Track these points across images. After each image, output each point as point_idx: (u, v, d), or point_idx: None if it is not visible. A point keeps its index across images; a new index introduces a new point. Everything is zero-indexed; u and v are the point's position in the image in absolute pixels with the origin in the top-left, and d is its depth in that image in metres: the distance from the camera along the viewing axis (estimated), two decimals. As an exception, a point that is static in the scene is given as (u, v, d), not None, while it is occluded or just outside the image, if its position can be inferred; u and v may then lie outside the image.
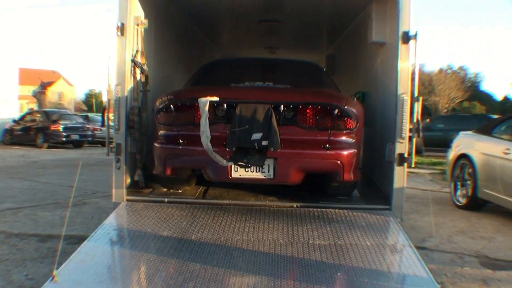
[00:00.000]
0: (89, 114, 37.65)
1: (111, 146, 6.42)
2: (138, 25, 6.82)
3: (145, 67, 7.01)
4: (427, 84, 72.67)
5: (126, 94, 6.48)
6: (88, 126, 28.94)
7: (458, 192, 10.52)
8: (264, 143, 5.68)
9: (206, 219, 5.86)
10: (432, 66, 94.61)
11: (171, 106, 5.90)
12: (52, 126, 26.91)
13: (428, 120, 27.56)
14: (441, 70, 77.57)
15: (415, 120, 6.25)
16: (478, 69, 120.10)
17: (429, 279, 4.52)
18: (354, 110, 6.05)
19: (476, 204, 9.92)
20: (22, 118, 30.10)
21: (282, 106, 5.81)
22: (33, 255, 6.16)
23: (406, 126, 6.32)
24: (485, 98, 74.13)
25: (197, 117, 5.84)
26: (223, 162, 5.77)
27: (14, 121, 29.41)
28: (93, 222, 7.66)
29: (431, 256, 6.63)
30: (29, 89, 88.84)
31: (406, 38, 6.39)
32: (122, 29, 6.45)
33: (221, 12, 10.41)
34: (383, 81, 7.77)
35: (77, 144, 28.12)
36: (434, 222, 8.61)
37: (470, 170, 10.03)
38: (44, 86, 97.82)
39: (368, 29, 8.24)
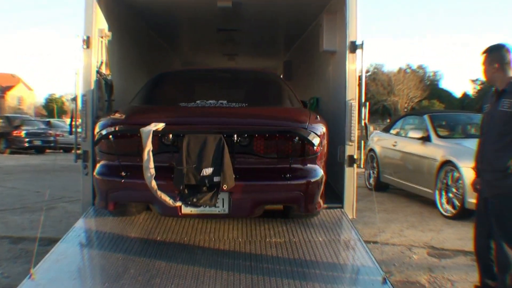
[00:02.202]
0: (51, 120, 37.56)
1: (78, 152, 6.67)
2: (102, 37, 7.21)
3: (109, 78, 7.41)
4: (386, 84, 73.55)
5: (92, 103, 6.81)
6: (50, 132, 28.84)
7: (371, 179, 13.37)
8: (216, 179, 5.02)
9: (170, 221, 6.14)
10: (391, 66, 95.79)
11: (110, 136, 5.30)
12: (14, 132, 26.88)
13: (388, 120, 28.28)
14: (400, 70, 78.35)
15: (362, 124, 6.66)
16: (437, 67, 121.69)
17: (375, 268, 4.96)
18: (317, 133, 5.43)
19: (381, 187, 12.77)
20: (-17, 123, 29.88)
21: (235, 136, 5.19)
22: (7, 256, 6.48)
23: (355, 129, 6.75)
24: (444, 96, 75.16)
25: (140, 146, 5.07)
26: (170, 203, 5.05)
27: (-25, 126, 29.24)
28: (62, 225, 7.95)
29: (382, 249, 7.06)
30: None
31: (353, 47, 6.85)
32: (87, 42, 6.78)
33: (181, 22, 10.84)
34: (334, 88, 8.17)
35: (39, 150, 28.03)
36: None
37: (375, 161, 13.03)
38: (3, 90, 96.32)
39: (320, 38, 8.66)
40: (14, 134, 26.86)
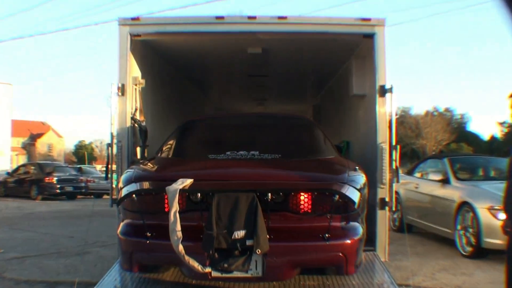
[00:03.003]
0: (82, 166, 38.14)
1: (113, 197, 6.70)
2: (136, 84, 7.41)
3: (143, 124, 7.56)
4: (414, 127, 73.10)
5: (127, 149, 7.00)
6: (81, 178, 29.15)
7: (396, 221, 13.33)
8: (249, 243, 4.58)
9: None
10: (419, 109, 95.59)
11: (134, 195, 5.00)
12: (46, 178, 27.10)
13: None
14: (427, 113, 78.04)
15: (394, 167, 6.77)
16: (464, 110, 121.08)
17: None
18: (357, 186, 5.10)
19: (403, 228, 12.49)
20: (16, 170, 30.41)
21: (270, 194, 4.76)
22: None
23: (386, 172, 6.83)
24: (472, 139, 74.28)
25: (167, 204, 4.78)
26: (199, 269, 4.64)
27: (8, 173, 29.72)
28: (96, 269, 8.00)
29: None
30: (18, 141, 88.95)
31: (383, 91, 6.99)
32: (122, 89, 7.01)
33: (212, 68, 11.05)
34: (365, 131, 8.26)
35: (70, 196, 28.23)
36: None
37: (399, 203, 12.85)
38: (34, 138, 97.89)
39: (349, 82, 8.80)
40: (46, 181, 27.05)
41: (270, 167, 5.66)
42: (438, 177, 11.47)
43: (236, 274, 4.74)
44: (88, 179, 29.69)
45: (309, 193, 4.96)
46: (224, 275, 4.78)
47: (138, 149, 7.48)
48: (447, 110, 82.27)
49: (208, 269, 4.66)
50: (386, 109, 7.04)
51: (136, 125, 7.39)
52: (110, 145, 6.92)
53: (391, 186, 6.86)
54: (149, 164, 6.06)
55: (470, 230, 9.63)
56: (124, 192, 5.11)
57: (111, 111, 6.95)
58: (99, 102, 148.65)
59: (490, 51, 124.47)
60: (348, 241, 4.94)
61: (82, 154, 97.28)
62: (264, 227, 4.58)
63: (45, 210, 20.23)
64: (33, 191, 27.24)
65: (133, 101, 7.32)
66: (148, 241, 4.87)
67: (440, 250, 10.48)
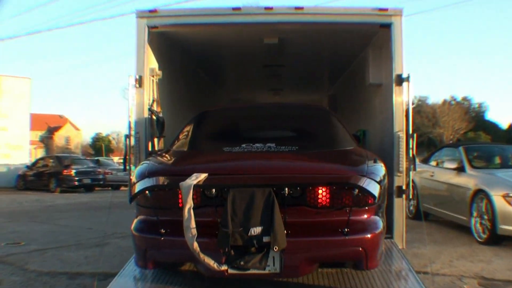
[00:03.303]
0: (100, 158, 38.40)
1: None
2: (153, 76, 7.50)
3: (160, 115, 7.64)
4: (431, 116, 72.88)
5: (144, 140, 7.10)
6: (99, 170, 29.36)
7: (411, 207, 13.44)
8: (266, 239, 4.44)
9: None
10: (436, 98, 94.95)
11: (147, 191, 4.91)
12: (65, 171, 27.30)
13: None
14: (444, 102, 77.79)
15: (410, 155, 6.82)
16: (482, 98, 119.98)
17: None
18: (376, 179, 4.94)
19: (419, 215, 12.68)
20: (35, 163, 30.59)
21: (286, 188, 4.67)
22: None
23: (403, 161, 6.90)
24: (490, 128, 73.92)
25: (181, 199, 4.59)
26: (215, 267, 4.52)
27: (27, 166, 29.93)
28: (116, 260, 8.07)
29: (433, 280, 7.02)
30: (37, 134, 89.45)
31: (399, 80, 7.05)
32: (140, 81, 7.11)
33: (228, 58, 11.10)
34: (381, 120, 8.33)
35: (88, 188, 28.45)
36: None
37: (415, 191, 12.95)
38: (51, 131, 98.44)
39: (366, 72, 8.88)
40: (65, 173, 27.25)
41: (286, 161, 5.52)
42: (454, 165, 11.68)
43: (253, 271, 4.61)
44: (106, 171, 29.92)
45: (328, 187, 4.80)
46: (241, 272, 4.63)
47: (155, 140, 7.54)
48: (464, 99, 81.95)
49: (224, 267, 4.54)
50: (403, 98, 7.09)
51: (153, 116, 7.45)
52: (128, 136, 7.01)
53: (408, 175, 6.90)
54: (163, 157, 5.94)
55: (485, 217, 9.79)
56: (137, 187, 4.96)
57: (128, 103, 7.07)
58: (116, 95, 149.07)
59: (509, 38, 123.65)
60: (368, 235, 4.78)
61: (99, 146, 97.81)
62: (281, 223, 4.44)
63: (64, 202, 20.41)
64: (52, 184, 27.44)
65: (150, 93, 7.39)
66: (162, 238, 4.75)
67: (458, 238, 10.49)
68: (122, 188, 29.57)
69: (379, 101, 8.70)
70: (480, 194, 10.13)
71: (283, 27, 7.86)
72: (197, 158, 5.87)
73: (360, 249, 4.73)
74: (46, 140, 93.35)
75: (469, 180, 10.81)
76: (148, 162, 5.64)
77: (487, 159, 12.73)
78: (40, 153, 73.76)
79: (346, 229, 4.61)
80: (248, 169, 5.10)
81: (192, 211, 4.44)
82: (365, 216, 4.89)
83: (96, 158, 41.49)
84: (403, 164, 6.92)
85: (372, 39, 8.62)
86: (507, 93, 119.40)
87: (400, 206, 6.90)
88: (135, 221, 5.15)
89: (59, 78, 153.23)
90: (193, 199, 4.46)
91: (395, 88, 7.10)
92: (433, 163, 13.46)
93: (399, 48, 7.09)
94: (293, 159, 5.59)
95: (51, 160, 29.77)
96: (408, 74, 6.98)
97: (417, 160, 7.06)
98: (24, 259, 8.50)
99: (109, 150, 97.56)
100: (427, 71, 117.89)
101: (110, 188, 30.06)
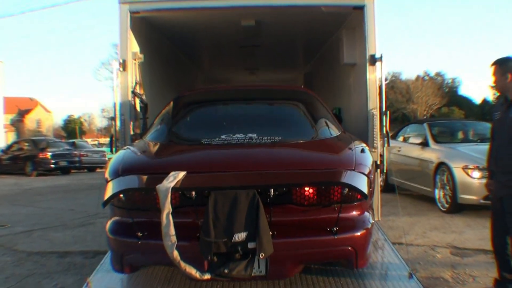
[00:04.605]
0: (76, 141, 38.36)
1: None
2: (135, 59, 7.74)
3: (143, 97, 7.95)
4: (405, 92, 72.96)
5: (129, 123, 7.37)
6: (75, 153, 29.32)
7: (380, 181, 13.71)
8: (251, 245, 4.14)
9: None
10: (409, 74, 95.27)
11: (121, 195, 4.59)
12: (41, 154, 27.25)
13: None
14: (418, 78, 77.89)
15: (384, 132, 7.20)
16: (455, 74, 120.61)
17: (402, 265, 5.50)
18: (365, 171, 4.69)
19: (388, 188, 13.31)
20: (9, 147, 30.62)
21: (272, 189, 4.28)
22: (57, 269, 6.92)
23: (377, 137, 7.25)
24: (464, 103, 73.88)
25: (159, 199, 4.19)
26: (197, 276, 4.27)
27: (2, 151, 30.02)
28: (103, 239, 8.25)
29: (407, 249, 7.43)
30: (7, 118, 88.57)
31: (373, 60, 7.39)
32: (124, 65, 7.37)
33: (206, 40, 11.36)
34: (355, 98, 8.63)
35: (65, 171, 28.57)
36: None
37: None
38: (22, 114, 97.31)
39: (340, 52, 9.14)
40: (41, 156, 27.21)
41: (269, 155, 5.14)
42: (419, 140, 12.66)
43: (238, 274, 4.28)
44: (82, 153, 29.91)
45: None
46: (225, 279, 4.42)
47: (139, 123, 7.80)
48: (438, 74, 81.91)
49: (207, 276, 4.29)
50: (376, 77, 7.42)
51: (136, 98, 7.70)
52: (113, 118, 7.27)
53: (382, 150, 7.26)
54: (138, 149, 5.54)
55: (447, 187, 10.68)
56: (110, 188, 4.48)
57: (114, 86, 7.32)
58: (87, 76, 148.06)
59: (481, 11, 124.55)
60: (358, 233, 4.53)
61: (72, 128, 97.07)
62: (267, 228, 4.13)
63: (42, 185, 20.57)
64: (28, 167, 27.44)
65: (133, 76, 7.62)
66: (139, 242, 4.42)
67: (431, 211, 11.01)
68: (98, 169, 29.81)
69: (353, 80, 8.99)
70: (442, 166, 11.08)
71: (260, 10, 8.12)
72: (174, 153, 5.55)
73: (350, 248, 4.50)
74: (17, 124, 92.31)
75: (433, 154, 11.80)
76: (122, 155, 5.25)
77: (451, 134, 13.64)
78: (11, 137, 73.19)
79: (335, 228, 4.37)
80: (230, 167, 4.74)
81: (171, 216, 4.09)
82: (355, 212, 4.66)
83: (72, 140, 41.30)
84: (377, 140, 7.25)
85: (346, 20, 8.88)
86: (480, 68, 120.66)
87: (375, 180, 7.09)
88: (110, 223, 4.81)
89: (28, 60, 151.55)
90: (171, 201, 4.11)
91: (369, 68, 7.41)
92: (400, 139, 14.33)
93: (372, 29, 7.37)
94: (276, 153, 5.22)
95: (26, 144, 29.69)
96: (381, 54, 7.31)
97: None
98: (12, 240, 8.78)
99: (81, 132, 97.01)
100: (401, 47, 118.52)
101: (86, 170, 30.22)
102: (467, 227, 9.18)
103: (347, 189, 4.38)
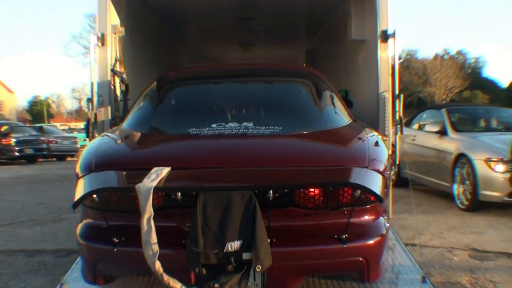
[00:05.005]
0: (43, 125, 38.27)
1: None
2: (115, 33, 7.77)
3: (124, 76, 7.99)
4: (421, 73, 72.85)
5: (108, 105, 7.41)
6: (42, 139, 29.36)
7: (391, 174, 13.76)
8: (246, 256, 3.90)
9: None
10: (427, 52, 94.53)
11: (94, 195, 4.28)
12: (3, 140, 27.26)
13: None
14: (436, 56, 77.94)
15: (397, 118, 7.17)
16: (479, 53, 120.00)
17: (414, 267, 5.59)
18: (380, 168, 4.51)
19: (401, 182, 13.48)
20: (-35, 133, 30.36)
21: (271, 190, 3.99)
22: (25, 269, 7.01)
23: (389, 123, 7.27)
24: (489, 86, 74.06)
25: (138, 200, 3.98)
26: None
27: (-45, 136, 29.89)
28: (75, 236, 8.47)
29: (421, 251, 7.51)
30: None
31: (385, 36, 7.40)
32: (102, 39, 7.39)
33: (193, 11, 11.38)
34: (365, 79, 8.69)
35: (31, 159, 28.64)
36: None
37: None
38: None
39: (348, 26, 9.17)
40: (3, 143, 27.22)
41: (268, 150, 4.94)
42: (436, 128, 12.55)
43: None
44: (50, 139, 30.02)
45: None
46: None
47: (119, 105, 7.83)
48: (459, 53, 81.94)
49: None
50: (389, 56, 7.40)
51: (116, 77, 7.73)
52: (90, 100, 7.25)
53: (394, 139, 7.25)
54: (115, 140, 5.40)
55: (467, 182, 10.63)
56: (81, 186, 4.35)
57: (91, 63, 7.31)
58: (56, 52, 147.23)
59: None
60: (371, 242, 4.30)
61: (38, 111, 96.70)
62: (265, 236, 3.91)
63: (5, 176, 20.64)
64: (-12, 156, 27.26)
65: (112, 52, 7.64)
66: (115, 249, 4.19)
67: (449, 208, 11.11)
68: (68, 158, 29.84)
69: (362, 59, 9.01)
70: (462, 158, 11.00)
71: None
72: (156, 145, 5.38)
73: (361, 259, 4.28)
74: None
75: (451, 144, 11.71)
76: (96, 146, 5.09)
77: (472, 122, 13.55)
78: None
79: (344, 235, 4.12)
80: (221, 163, 4.49)
81: (152, 221, 3.87)
82: (367, 217, 4.44)
83: (38, 125, 41.09)
84: (389, 127, 7.25)
85: (355, -10, 8.87)
86: (508, 47, 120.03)
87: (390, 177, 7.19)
88: (81, 226, 4.66)
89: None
90: (153, 203, 3.91)
91: (380, 45, 7.42)
92: (415, 126, 14.26)
93: (384, 1, 7.38)
94: (276, 147, 5.02)
95: (-16, 128, 29.35)
96: (394, 30, 7.31)
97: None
98: (-28, 237, 8.81)
99: (49, 116, 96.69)
100: (417, 21, 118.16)
101: (55, 159, 30.33)
102: (488, 227, 9.27)
103: (360, 193, 4.17)
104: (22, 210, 11.62)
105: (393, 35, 7.33)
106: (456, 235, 8.70)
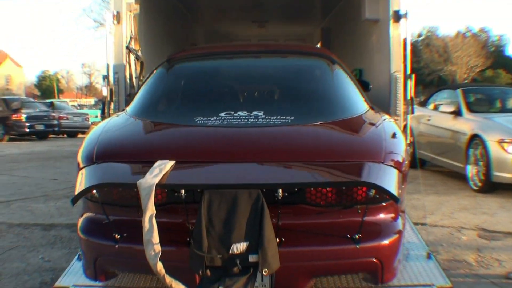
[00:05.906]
0: (54, 101, 38.39)
1: None
2: (130, 11, 7.99)
3: (139, 54, 8.27)
4: (442, 51, 72.36)
5: (124, 82, 7.70)
6: (53, 115, 29.41)
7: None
8: (252, 258, 3.79)
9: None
10: (448, 29, 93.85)
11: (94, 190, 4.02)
12: (14, 115, 27.36)
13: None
14: (458, 34, 77.32)
15: (408, 98, 7.38)
16: (503, 30, 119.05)
17: (420, 244, 5.85)
18: (398, 163, 4.33)
19: (415, 163, 13.69)
20: (-23, 108, 30.46)
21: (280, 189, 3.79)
22: (42, 242, 7.36)
23: (400, 103, 7.50)
24: (512, 65, 74.22)
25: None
26: None
27: (-33, 111, 30.09)
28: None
29: (430, 230, 7.80)
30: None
31: (397, 17, 7.59)
32: (118, 17, 7.65)
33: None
34: (378, 58, 8.91)
35: (42, 135, 28.84)
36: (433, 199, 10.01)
37: (411, 137, 13.29)
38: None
39: (361, 5, 9.37)
40: (14, 118, 27.31)
41: (277, 144, 4.66)
42: (451, 108, 12.73)
43: None
44: (61, 115, 30.13)
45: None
46: None
47: (134, 82, 8.10)
48: (481, 30, 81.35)
49: None
50: (401, 36, 7.58)
51: (131, 55, 7.99)
52: (106, 77, 7.50)
53: (405, 119, 7.48)
54: (118, 127, 5.31)
55: (481, 164, 10.96)
56: (81, 179, 4.29)
57: (106, 41, 7.60)
58: (66, 26, 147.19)
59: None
60: (386, 242, 4.12)
61: (47, 86, 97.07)
62: (273, 237, 3.79)
63: (17, 152, 20.98)
64: (-1, 131, 27.48)
65: (127, 30, 7.89)
66: (117, 246, 4.06)
67: (463, 190, 11.36)
68: (80, 135, 30.15)
69: (375, 38, 9.22)
70: (475, 139, 11.21)
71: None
72: (161, 135, 5.28)
73: (375, 260, 4.09)
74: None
75: (466, 125, 11.91)
76: (99, 133, 4.93)
77: (488, 102, 13.77)
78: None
79: (357, 235, 3.93)
80: (227, 158, 4.35)
81: (154, 220, 3.75)
82: (383, 215, 4.26)
83: (49, 100, 41.15)
84: (400, 107, 7.47)
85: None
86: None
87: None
88: (81, 220, 4.51)
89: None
90: (155, 199, 3.79)
91: (392, 25, 7.64)
92: (431, 106, 14.51)
93: (396, -20, 7.53)
94: (288, 140, 4.77)
95: (-4, 104, 29.42)
96: (406, 11, 7.50)
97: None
98: (-13, 211, 9.16)
99: (59, 91, 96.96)
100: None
101: (65, 136, 30.61)
102: (500, 209, 9.51)
103: (375, 193, 3.88)
104: (35, 186, 11.98)
105: (405, 15, 7.50)
106: (467, 215, 8.93)
